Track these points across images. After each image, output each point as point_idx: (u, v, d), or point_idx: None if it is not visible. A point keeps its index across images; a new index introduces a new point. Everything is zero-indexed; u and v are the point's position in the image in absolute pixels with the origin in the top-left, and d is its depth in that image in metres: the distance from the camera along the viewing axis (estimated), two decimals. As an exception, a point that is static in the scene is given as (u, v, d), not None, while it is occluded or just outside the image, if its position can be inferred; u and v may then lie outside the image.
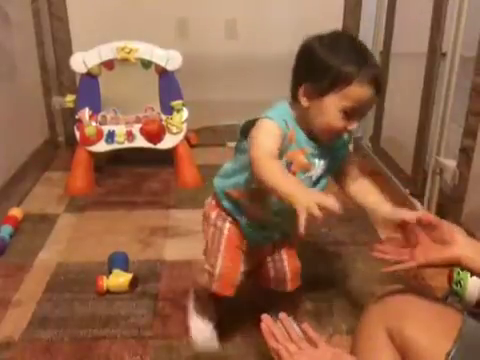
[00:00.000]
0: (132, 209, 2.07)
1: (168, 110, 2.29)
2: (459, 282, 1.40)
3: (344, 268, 1.69)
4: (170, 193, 2.20)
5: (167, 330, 1.40)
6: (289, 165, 1.09)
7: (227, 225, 1.22)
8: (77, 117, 2.24)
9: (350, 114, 1.03)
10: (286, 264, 1.30)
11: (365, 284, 1.59)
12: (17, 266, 1.68)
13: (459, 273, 1.41)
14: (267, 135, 1.05)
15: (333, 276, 1.64)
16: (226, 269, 1.20)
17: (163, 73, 2.24)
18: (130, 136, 2.27)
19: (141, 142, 2.29)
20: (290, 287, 1.32)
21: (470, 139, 1.75)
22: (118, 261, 1.62)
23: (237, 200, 1.18)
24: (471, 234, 1.73)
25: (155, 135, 2.28)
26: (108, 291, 1.53)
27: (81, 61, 2.19)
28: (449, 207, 1.89)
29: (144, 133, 2.27)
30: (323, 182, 1.17)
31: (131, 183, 2.32)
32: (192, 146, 2.49)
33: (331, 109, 1.03)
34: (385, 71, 2.49)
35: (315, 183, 1.15)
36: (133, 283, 1.55)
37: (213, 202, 1.25)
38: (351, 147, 2.71)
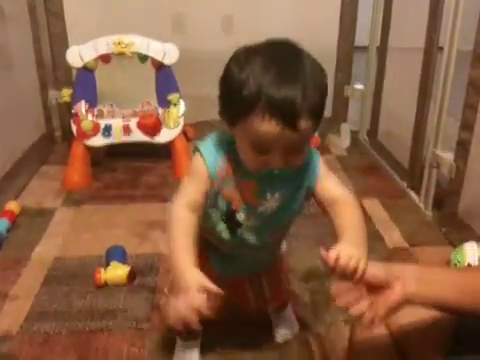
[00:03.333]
0: (129, 203, 2.07)
1: (165, 104, 2.29)
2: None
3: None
4: (167, 187, 2.19)
5: (165, 322, 1.40)
6: (229, 204, 0.95)
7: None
8: (73, 111, 2.24)
9: (265, 150, 0.82)
10: (266, 291, 1.20)
11: (362, 276, 1.59)
12: (14, 260, 1.68)
13: (456, 265, 1.42)
14: (193, 178, 0.94)
15: (330, 268, 1.64)
16: None
17: (160, 67, 2.23)
18: (127, 130, 2.26)
19: (138, 136, 2.28)
20: (270, 306, 1.25)
21: (467, 132, 1.76)
22: (116, 254, 1.62)
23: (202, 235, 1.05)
24: (467, 226, 1.76)
25: (152, 129, 2.27)
26: (106, 284, 1.53)
27: (77, 55, 2.18)
28: (446, 200, 1.90)
29: (141, 127, 2.27)
30: (286, 215, 1.00)
31: (128, 177, 2.32)
32: (189, 140, 2.49)
33: (241, 143, 0.85)
34: (382, 65, 2.49)
35: (274, 217, 0.98)
36: (131, 276, 1.55)
37: None
38: (347, 142, 2.72)
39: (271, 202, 0.94)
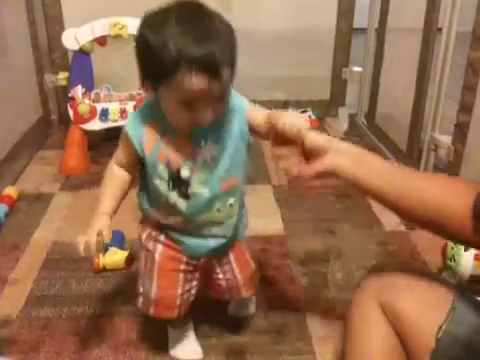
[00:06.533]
0: (127, 187, 2.07)
1: (162, 87, 2.27)
2: (453, 257, 1.41)
3: (339, 244, 1.70)
4: (165, 171, 2.19)
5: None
6: (169, 165, 0.98)
7: (159, 248, 1.11)
8: (70, 95, 2.22)
9: (193, 105, 0.87)
10: (237, 272, 1.18)
11: (359, 259, 1.60)
12: (13, 245, 1.68)
13: (453, 248, 1.42)
14: (121, 145, 1.03)
15: (328, 252, 1.65)
16: (162, 294, 1.12)
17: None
18: (124, 114, 2.25)
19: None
20: (244, 294, 1.21)
21: (465, 115, 1.75)
22: (114, 239, 1.61)
23: (162, 221, 1.08)
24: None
25: (149, 113, 2.26)
26: (104, 269, 1.54)
27: (73, 38, 2.17)
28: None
29: (138, 111, 2.25)
30: (228, 159, 1.00)
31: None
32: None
33: (168, 103, 0.90)
34: (380, 47, 2.47)
35: (217, 164, 0.99)
36: (129, 261, 1.56)
37: (143, 220, 1.15)
38: (345, 126, 2.72)
39: (208, 149, 0.98)
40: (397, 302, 0.92)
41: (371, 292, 0.97)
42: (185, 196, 1.01)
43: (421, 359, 0.86)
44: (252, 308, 1.38)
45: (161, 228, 1.10)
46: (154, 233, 1.11)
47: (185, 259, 1.12)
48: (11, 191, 1.94)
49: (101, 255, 1.54)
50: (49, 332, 1.33)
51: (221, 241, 1.10)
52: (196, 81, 0.83)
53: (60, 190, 2.05)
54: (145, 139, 0.97)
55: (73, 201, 1.97)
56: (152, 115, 0.97)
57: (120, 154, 1.04)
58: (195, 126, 0.91)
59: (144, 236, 1.13)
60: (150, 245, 1.12)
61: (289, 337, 1.32)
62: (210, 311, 1.37)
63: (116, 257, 1.55)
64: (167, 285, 1.13)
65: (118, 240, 1.62)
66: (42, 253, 1.64)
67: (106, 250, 1.57)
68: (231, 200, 1.05)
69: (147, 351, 1.27)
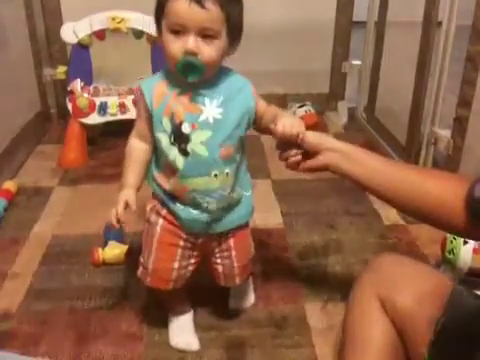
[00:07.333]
0: (126, 181, 2.06)
1: (161, 81, 2.26)
2: (452, 250, 1.41)
3: (338, 237, 1.70)
4: (164, 165, 2.19)
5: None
6: (173, 118, 1.03)
7: (160, 221, 1.15)
8: (69, 89, 2.22)
9: (180, 32, 0.96)
10: (234, 259, 1.21)
11: (358, 253, 1.61)
12: (12, 239, 1.68)
13: (452, 242, 1.42)
14: (138, 111, 1.11)
15: (327, 245, 1.66)
16: (158, 266, 1.17)
17: (155, 43, 2.21)
18: (123, 108, 2.25)
19: (134, 113, 2.25)
20: (238, 282, 1.26)
21: (464, 109, 1.74)
22: (114, 233, 1.62)
23: (163, 186, 1.12)
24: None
25: (148, 107, 2.25)
26: (104, 263, 1.54)
27: (71, 31, 2.16)
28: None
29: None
30: (229, 125, 1.05)
31: (124, 155, 2.30)
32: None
33: (164, 34, 0.99)
34: (380, 40, 2.47)
35: (218, 127, 1.04)
36: (129, 255, 1.56)
37: (153, 194, 1.18)
38: (344, 120, 2.71)
39: (211, 111, 1.03)
40: (396, 296, 0.93)
41: (370, 286, 0.97)
42: (184, 152, 1.05)
43: (420, 352, 0.87)
44: (252, 299, 1.40)
45: (163, 202, 1.13)
46: (158, 207, 1.15)
47: (184, 235, 1.15)
48: (10, 185, 1.94)
49: (100, 250, 1.54)
50: (49, 326, 1.33)
51: (214, 216, 1.13)
52: (179, 4, 0.94)
53: (59, 184, 2.05)
54: (155, 94, 1.04)
55: (72, 195, 1.97)
56: (161, 76, 1.07)
57: (139, 123, 1.10)
58: (185, 56, 0.96)
59: (148, 208, 1.17)
60: (152, 218, 1.16)
61: (289, 330, 1.32)
62: (210, 304, 1.38)
63: (116, 251, 1.55)
64: (165, 258, 1.17)
65: (118, 234, 1.62)
66: (41, 247, 1.64)
67: (106, 244, 1.57)
68: (227, 169, 1.09)
69: (146, 344, 1.28)
